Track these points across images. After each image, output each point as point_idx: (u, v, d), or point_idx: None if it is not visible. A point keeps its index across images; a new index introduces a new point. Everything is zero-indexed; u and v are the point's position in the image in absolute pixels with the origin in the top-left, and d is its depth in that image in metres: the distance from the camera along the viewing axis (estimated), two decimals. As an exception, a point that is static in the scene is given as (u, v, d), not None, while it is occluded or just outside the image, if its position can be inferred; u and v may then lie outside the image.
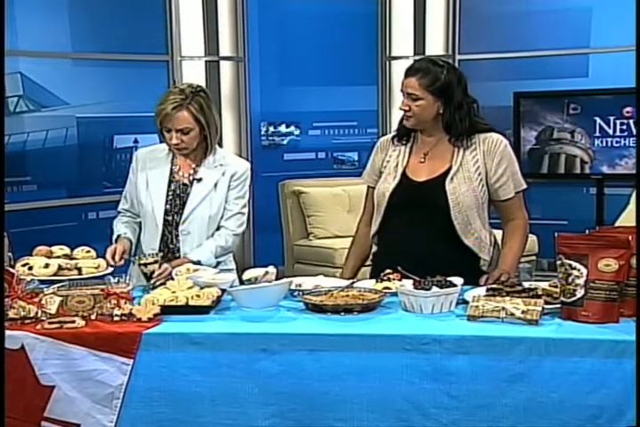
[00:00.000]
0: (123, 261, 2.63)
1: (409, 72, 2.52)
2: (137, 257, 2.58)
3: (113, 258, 2.61)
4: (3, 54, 2.39)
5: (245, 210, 2.80)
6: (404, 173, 2.58)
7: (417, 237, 2.54)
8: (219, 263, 2.73)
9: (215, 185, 2.75)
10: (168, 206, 2.76)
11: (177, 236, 2.74)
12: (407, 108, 2.53)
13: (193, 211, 2.73)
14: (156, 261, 2.52)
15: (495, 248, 2.62)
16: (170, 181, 2.77)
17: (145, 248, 2.76)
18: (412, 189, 2.56)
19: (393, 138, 2.66)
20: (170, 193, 2.76)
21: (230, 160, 2.81)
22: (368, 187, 2.72)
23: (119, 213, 2.88)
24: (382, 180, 2.62)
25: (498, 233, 2.64)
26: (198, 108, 2.66)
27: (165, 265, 2.55)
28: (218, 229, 2.76)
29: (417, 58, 4.70)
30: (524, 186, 2.60)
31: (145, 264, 2.51)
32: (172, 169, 2.79)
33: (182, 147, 2.69)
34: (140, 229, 2.83)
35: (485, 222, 2.58)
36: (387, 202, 2.58)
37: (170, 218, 2.76)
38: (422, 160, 2.58)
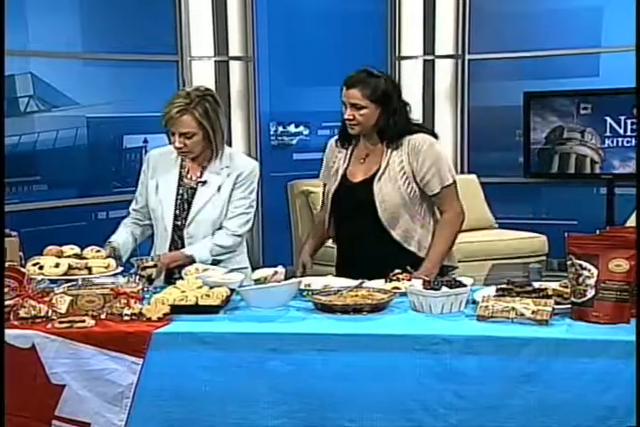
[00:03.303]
0: None
1: (349, 84, 2.69)
2: (136, 260, 2.53)
3: None
4: (2, 54, 2.38)
5: (251, 210, 2.77)
6: (344, 175, 2.81)
7: (353, 230, 2.79)
8: (219, 262, 2.68)
9: (219, 188, 2.73)
10: (177, 211, 2.75)
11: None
12: (352, 118, 2.69)
13: (197, 214, 2.72)
14: (155, 265, 2.50)
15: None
16: (179, 186, 2.76)
17: (158, 252, 2.74)
18: (349, 189, 2.79)
19: (336, 142, 2.85)
20: (178, 198, 2.75)
21: (237, 161, 2.78)
22: (324, 184, 2.92)
23: (129, 213, 2.88)
24: (329, 182, 2.85)
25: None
26: (202, 113, 2.63)
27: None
28: (220, 228, 2.74)
29: (427, 57, 4.72)
30: (450, 181, 2.72)
31: (144, 268, 2.49)
32: (180, 173, 2.77)
33: (185, 151, 2.68)
34: (142, 232, 2.84)
35: (415, 216, 2.73)
36: (330, 202, 2.82)
37: (179, 223, 2.75)
38: (362, 161, 2.79)
